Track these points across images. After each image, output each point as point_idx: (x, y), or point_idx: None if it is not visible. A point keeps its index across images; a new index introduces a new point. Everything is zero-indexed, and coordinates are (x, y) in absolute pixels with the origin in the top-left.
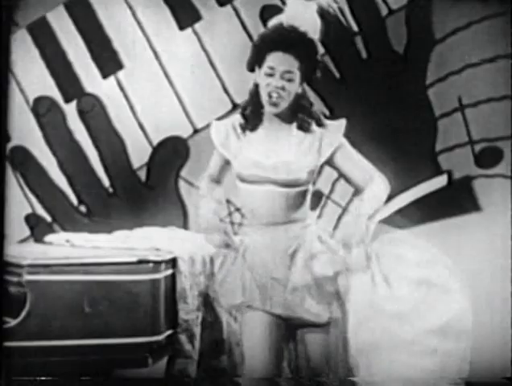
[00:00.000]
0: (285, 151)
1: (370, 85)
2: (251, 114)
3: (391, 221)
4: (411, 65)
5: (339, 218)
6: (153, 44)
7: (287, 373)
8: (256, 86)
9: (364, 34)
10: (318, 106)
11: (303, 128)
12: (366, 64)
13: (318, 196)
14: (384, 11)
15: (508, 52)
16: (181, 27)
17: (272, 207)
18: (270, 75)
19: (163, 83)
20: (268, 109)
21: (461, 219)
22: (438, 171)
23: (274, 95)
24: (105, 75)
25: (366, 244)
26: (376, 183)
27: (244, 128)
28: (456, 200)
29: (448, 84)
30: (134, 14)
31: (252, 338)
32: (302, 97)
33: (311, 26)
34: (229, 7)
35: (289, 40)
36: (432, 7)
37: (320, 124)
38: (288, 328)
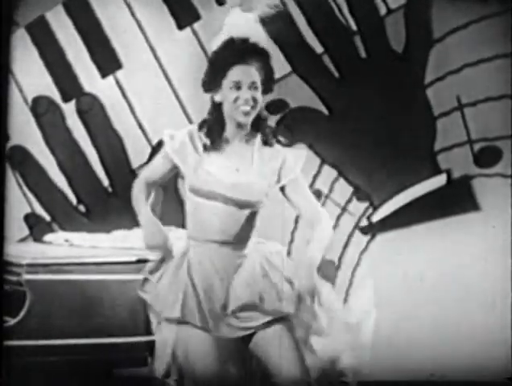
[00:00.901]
0: (246, 171)
1: (369, 85)
2: (213, 132)
3: (391, 220)
4: (410, 64)
5: (338, 218)
6: (152, 44)
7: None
8: (215, 104)
9: (363, 33)
10: (317, 105)
11: (268, 142)
12: (365, 64)
13: (317, 196)
14: (383, 10)
15: (507, 51)
16: (180, 27)
17: (223, 225)
18: (238, 88)
19: (161, 82)
20: (241, 120)
21: (460, 219)
22: (437, 171)
23: (245, 106)
24: (103, 75)
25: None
26: (324, 223)
27: (206, 146)
28: (455, 199)
29: (447, 83)
30: (132, 14)
31: (192, 355)
32: (261, 109)
33: (259, 36)
34: (227, 6)
35: (246, 52)
36: (431, 6)
37: (279, 141)
38: (235, 342)
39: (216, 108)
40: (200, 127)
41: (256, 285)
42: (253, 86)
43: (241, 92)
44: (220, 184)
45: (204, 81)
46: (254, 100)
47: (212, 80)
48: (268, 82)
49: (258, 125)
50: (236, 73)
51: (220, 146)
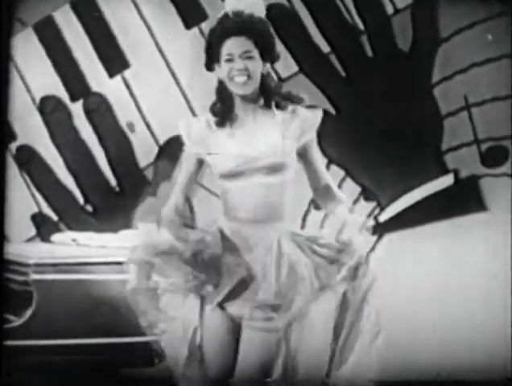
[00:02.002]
0: (268, 138)
1: (376, 84)
2: (223, 110)
3: (398, 220)
4: (417, 64)
5: None
6: (159, 43)
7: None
8: (220, 82)
9: (369, 32)
10: (324, 105)
11: (280, 106)
12: (372, 63)
13: None
14: (390, 10)
15: None
16: (187, 26)
17: (254, 201)
18: (230, 60)
19: (169, 82)
20: (239, 92)
21: (467, 218)
22: (444, 170)
23: (238, 78)
24: (111, 74)
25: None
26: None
27: (219, 124)
28: (462, 199)
29: (454, 82)
30: (140, 14)
31: (208, 334)
32: (268, 78)
33: (255, 7)
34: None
35: (238, 25)
36: (438, 6)
37: (293, 101)
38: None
39: (222, 86)
40: (212, 109)
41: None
42: (245, 55)
43: (234, 63)
44: (244, 158)
45: (205, 60)
46: (247, 69)
47: (210, 57)
48: (267, 50)
49: (267, 92)
50: (228, 46)
51: (234, 124)
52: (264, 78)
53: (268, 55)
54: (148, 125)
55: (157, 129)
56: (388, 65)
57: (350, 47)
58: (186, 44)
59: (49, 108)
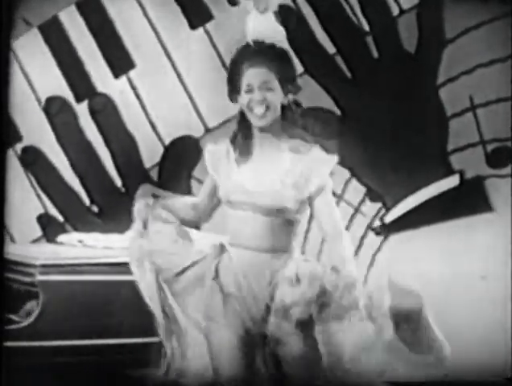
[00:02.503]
0: (273, 178)
1: (381, 85)
2: (241, 142)
3: (403, 221)
4: (423, 65)
5: (350, 219)
6: (164, 44)
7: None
8: (241, 113)
9: (375, 33)
10: (329, 106)
11: (294, 150)
12: (377, 64)
13: None
14: (395, 11)
15: None
16: (193, 27)
17: (255, 233)
18: (249, 91)
19: (174, 82)
20: (257, 124)
21: (473, 219)
22: (449, 171)
23: (257, 109)
24: (116, 75)
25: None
26: (345, 240)
27: (239, 155)
28: (468, 200)
29: (460, 83)
30: (145, 14)
31: (218, 350)
32: (288, 110)
33: (276, 36)
34: (240, 6)
35: (258, 54)
36: (443, 7)
37: (307, 140)
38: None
39: (242, 116)
40: (232, 141)
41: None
42: (264, 86)
43: (253, 94)
44: (248, 193)
45: (227, 91)
46: (266, 100)
47: (231, 88)
48: (287, 81)
49: (284, 123)
50: (248, 77)
51: (249, 155)
52: (284, 109)
53: (288, 86)
54: (153, 126)
55: (162, 130)
56: (393, 66)
57: (356, 48)
58: (191, 44)
59: (54, 109)
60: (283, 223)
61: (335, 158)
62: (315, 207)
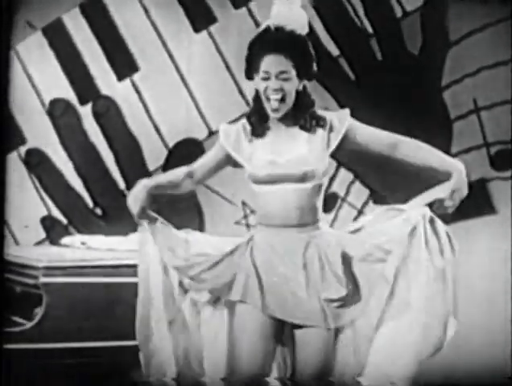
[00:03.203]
0: (297, 146)
1: (385, 87)
2: (257, 121)
3: None
4: (426, 67)
5: (354, 220)
6: (168, 47)
7: (278, 374)
8: (257, 92)
9: (379, 35)
10: (333, 107)
11: (305, 128)
12: (381, 66)
13: (333, 198)
14: (399, 13)
15: None
16: (196, 30)
17: (286, 207)
18: (266, 78)
19: (178, 85)
20: (272, 115)
21: (477, 222)
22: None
23: (273, 97)
24: (120, 78)
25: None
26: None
27: (253, 134)
28: (472, 202)
29: (464, 86)
30: (149, 17)
31: (241, 333)
32: (303, 95)
33: (298, 23)
34: (244, 9)
35: (277, 41)
36: (447, 9)
37: (320, 124)
38: (283, 327)
39: (258, 96)
40: (248, 118)
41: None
42: (281, 76)
43: (270, 81)
44: (276, 165)
45: (245, 69)
46: (282, 90)
47: (249, 68)
48: (305, 69)
49: (300, 109)
50: (266, 63)
51: (267, 131)
52: (299, 95)
53: (305, 74)
54: (157, 128)
55: (166, 132)
56: (397, 68)
57: (359, 51)
58: (195, 47)
59: (58, 112)
60: (311, 192)
61: (347, 110)
62: (358, 141)
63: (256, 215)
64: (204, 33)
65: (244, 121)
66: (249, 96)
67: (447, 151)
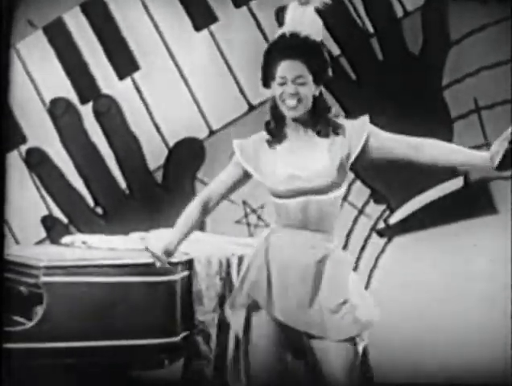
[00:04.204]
0: (318, 157)
1: (386, 87)
2: (274, 128)
3: (408, 223)
4: (427, 67)
5: (354, 220)
6: (169, 46)
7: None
8: (274, 100)
9: (379, 35)
10: (335, 108)
11: (321, 134)
12: (382, 66)
13: None
14: (400, 13)
15: None
16: (197, 29)
17: (306, 216)
18: (283, 84)
19: (179, 84)
20: (288, 115)
21: (478, 222)
22: (454, 173)
23: (290, 100)
24: (121, 77)
25: None
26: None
27: (270, 142)
28: (473, 202)
29: (464, 85)
30: (150, 16)
31: (256, 339)
32: (320, 101)
33: (313, 29)
34: (244, 8)
35: (293, 47)
36: (448, 9)
37: (336, 132)
38: (297, 336)
39: (275, 104)
40: (266, 127)
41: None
42: (297, 81)
43: (286, 86)
44: (295, 179)
45: (261, 77)
46: (298, 94)
47: (265, 75)
48: (320, 74)
49: (317, 114)
50: (282, 69)
51: (284, 143)
52: (316, 100)
53: (321, 79)
54: (157, 127)
55: (166, 132)
56: (398, 68)
57: (360, 50)
58: (196, 46)
59: (59, 111)
60: (332, 201)
61: (367, 117)
62: (378, 147)
63: (273, 218)
64: (205, 32)
65: (258, 135)
66: (250, 96)
67: None
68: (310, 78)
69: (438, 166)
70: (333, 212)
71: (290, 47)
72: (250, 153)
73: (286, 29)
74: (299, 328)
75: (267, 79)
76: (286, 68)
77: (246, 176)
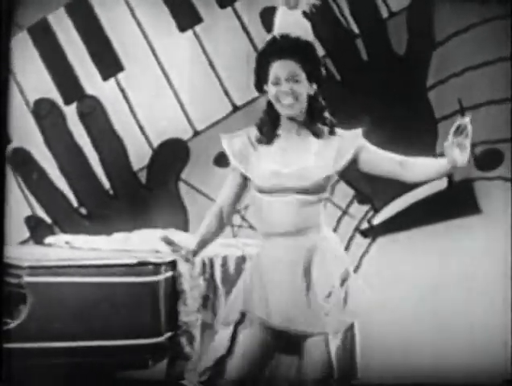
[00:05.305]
0: (303, 159)
1: (371, 88)
2: (268, 129)
3: (391, 223)
4: (412, 67)
5: (338, 221)
6: (153, 46)
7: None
8: (269, 103)
9: (365, 36)
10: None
11: (316, 134)
12: (367, 67)
13: None
14: (385, 13)
15: (508, 55)
16: (182, 29)
17: (287, 215)
18: (277, 83)
19: (163, 85)
20: (284, 113)
21: (461, 222)
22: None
23: (286, 99)
24: (105, 77)
25: None
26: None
27: (261, 141)
28: (457, 203)
29: (449, 86)
30: (134, 17)
31: (243, 345)
32: (314, 100)
33: (302, 30)
34: (229, 9)
35: (285, 48)
36: (433, 10)
37: (332, 131)
38: (286, 341)
39: (270, 106)
40: (259, 127)
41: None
42: (292, 79)
43: (280, 86)
44: (281, 176)
45: (254, 81)
46: (293, 92)
47: (258, 79)
48: (313, 72)
49: (312, 113)
50: (275, 69)
51: (275, 141)
52: (311, 99)
53: (314, 77)
54: (142, 128)
55: (150, 132)
56: (383, 69)
57: (345, 51)
58: (180, 47)
59: (43, 111)
60: (313, 203)
61: (360, 131)
62: (369, 158)
63: (258, 226)
64: (189, 33)
65: (248, 130)
66: (234, 97)
67: (432, 151)
68: (303, 76)
69: (420, 182)
70: (316, 213)
71: (281, 48)
72: (237, 150)
73: (277, 32)
74: (299, 329)
75: (260, 82)
76: (279, 68)
77: (246, 177)
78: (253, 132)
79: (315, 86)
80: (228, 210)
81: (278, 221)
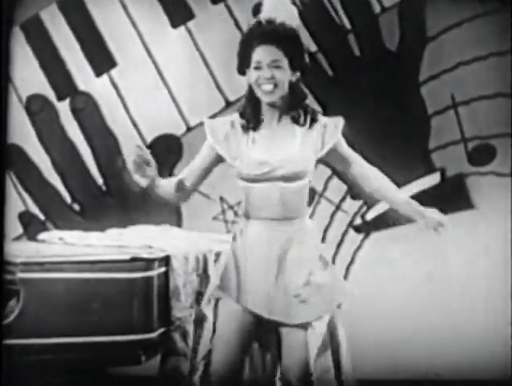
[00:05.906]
0: (288, 147)
1: (363, 83)
2: (250, 114)
3: (384, 219)
4: (404, 63)
5: (331, 216)
6: (146, 42)
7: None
8: (250, 86)
9: (356, 31)
10: (310, 103)
11: (297, 122)
12: (359, 62)
13: (311, 194)
14: (377, 9)
15: (501, 50)
16: (174, 25)
17: (270, 202)
18: (258, 68)
19: (156, 81)
20: (265, 99)
21: (454, 217)
22: (431, 169)
23: (266, 85)
24: (98, 74)
25: None
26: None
27: (244, 127)
28: (449, 198)
29: (441, 81)
30: (127, 13)
31: (221, 327)
32: (296, 87)
33: (288, 16)
34: (221, 5)
35: (269, 32)
36: (425, 5)
37: (314, 118)
38: (264, 326)
39: (251, 90)
40: (241, 112)
41: (314, 271)
42: (273, 64)
43: (262, 71)
44: (267, 165)
45: (237, 64)
46: (274, 78)
47: (241, 62)
48: (296, 59)
49: (293, 100)
50: (257, 54)
51: (258, 128)
52: (292, 86)
53: (297, 64)
54: (135, 124)
55: (144, 128)
56: (375, 64)
57: (337, 46)
58: (173, 43)
59: (36, 107)
60: (298, 190)
61: (341, 119)
62: (342, 156)
63: (241, 206)
64: (181, 29)
65: (232, 117)
66: (227, 92)
67: (424, 147)
68: (286, 62)
69: (374, 198)
70: (297, 201)
71: (265, 32)
72: (220, 135)
73: (262, 16)
74: (265, 315)
75: (243, 65)
76: (261, 53)
77: (220, 158)
78: (237, 119)
79: (298, 73)
80: (191, 181)
81: (261, 207)
